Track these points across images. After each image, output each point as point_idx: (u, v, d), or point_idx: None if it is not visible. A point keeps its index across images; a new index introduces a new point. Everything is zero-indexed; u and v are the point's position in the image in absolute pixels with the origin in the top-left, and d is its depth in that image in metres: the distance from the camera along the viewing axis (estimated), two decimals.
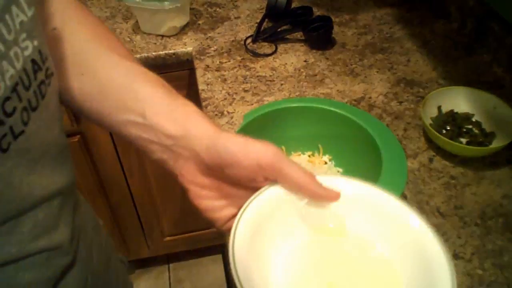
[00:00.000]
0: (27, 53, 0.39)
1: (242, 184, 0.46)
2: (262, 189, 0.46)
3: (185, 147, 0.47)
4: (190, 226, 1.61)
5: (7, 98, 0.37)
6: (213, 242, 1.69)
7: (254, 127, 0.75)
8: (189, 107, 0.49)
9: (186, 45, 1.13)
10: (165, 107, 0.48)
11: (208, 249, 1.74)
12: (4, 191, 0.38)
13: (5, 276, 0.42)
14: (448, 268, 0.41)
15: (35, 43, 0.41)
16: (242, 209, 0.44)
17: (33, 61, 0.41)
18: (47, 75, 0.44)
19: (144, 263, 1.75)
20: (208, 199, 0.48)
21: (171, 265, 1.78)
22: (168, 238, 1.63)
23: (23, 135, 0.39)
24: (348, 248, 0.47)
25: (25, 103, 0.39)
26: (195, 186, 0.48)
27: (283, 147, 0.80)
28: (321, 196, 0.45)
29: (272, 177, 0.45)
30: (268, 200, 0.45)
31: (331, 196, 0.46)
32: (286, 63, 1.07)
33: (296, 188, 0.45)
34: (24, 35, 0.39)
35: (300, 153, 0.80)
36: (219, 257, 1.77)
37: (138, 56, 1.10)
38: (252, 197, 0.45)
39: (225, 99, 0.97)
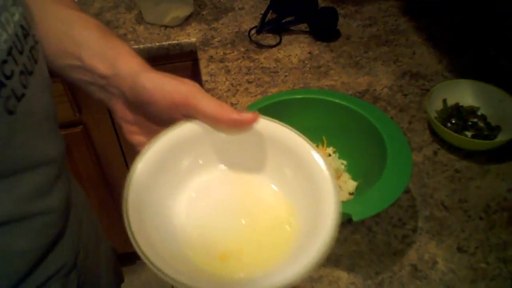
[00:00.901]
0: (15, 18, 0.41)
1: (163, 121, 0.48)
2: (176, 125, 0.47)
3: (115, 86, 0.50)
4: None
5: (4, 61, 0.39)
6: None
7: None
8: (121, 48, 0.51)
9: (190, 36, 1.12)
10: (98, 49, 0.51)
11: None
12: (2, 150, 0.40)
13: (2, 242, 0.44)
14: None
15: (20, 9, 0.43)
16: (146, 146, 0.45)
17: (22, 27, 0.43)
18: (35, 41, 0.46)
19: None
20: (137, 135, 0.52)
21: None
22: None
23: (25, 98, 0.42)
24: (257, 184, 0.49)
25: (21, 67, 0.42)
26: (125, 123, 0.52)
27: None
28: (236, 121, 0.46)
29: (189, 114, 0.47)
30: (179, 135, 0.47)
31: (247, 119, 0.46)
32: (290, 55, 1.06)
33: (212, 121, 0.46)
34: (11, 1, 0.41)
35: None
36: None
37: (141, 46, 1.09)
38: (162, 133, 0.46)
39: (229, 90, 0.97)
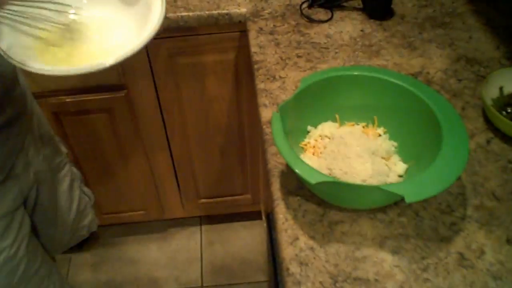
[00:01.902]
0: None
1: None
2: None
3: None
4: (225, 191, 1.62)
5: None
6: (247, 209, 1.70)
7: (310, 93, 0.74)
8: None
9: (240, 6, 1.11)
10: None
11: (240, 215, 1.75)
12: None
13: None
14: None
15: None
16: None
17: None
18: None
19: (177, 223, 1.78)
20: None
21: (203, 227, 1.80)
22: (203, 200, 1.64)
23: None
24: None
25: None
26: None
27: (337, 115, 0.78)
28: None
29: None
30: None
31: None
32: (341, 31, 1.03)
33: None
34: None
35: (354, 123, 0.78)
36: (251, 223, 1.78)
37: (191, 14, 1.09)
38: None
39: (278, 63, 0.95)
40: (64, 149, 1.07)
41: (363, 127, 0.78)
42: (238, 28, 1.14)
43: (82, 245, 1.71)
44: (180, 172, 1.53)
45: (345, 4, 1.10)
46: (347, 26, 1.05)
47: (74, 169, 1.11)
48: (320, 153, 0.73)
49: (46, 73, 0.65)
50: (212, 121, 1.38)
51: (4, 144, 0.78)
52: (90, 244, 1.74)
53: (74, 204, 1.05)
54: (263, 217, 1.66)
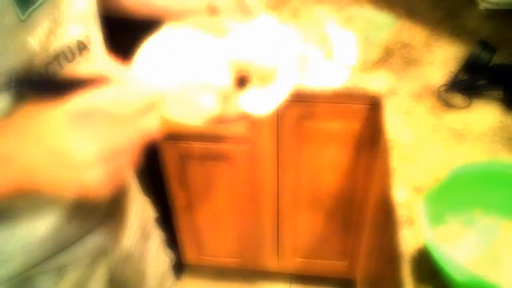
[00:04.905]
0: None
1: None
2: None
3: None
4: (323, 254, 1.62)
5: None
6: (341, 275, 1.68)
7: (457, 184, 0.73)
8: None
9: (376, 81, 1.14)
10: None
11: (333, 280, 1.73)
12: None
13: None
14: None
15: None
16: None
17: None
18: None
19: (269, 276, 1.79)
20: None
21: (293, 285, 1.80)
22: (299, 258, 1.65)
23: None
24: None
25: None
26: None
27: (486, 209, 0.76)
28: None
29: None
30: None
31: None
32: (479, 120, 1.03)
33: None
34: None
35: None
36: None
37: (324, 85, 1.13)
38: None
39: (412, 144, 0.96)
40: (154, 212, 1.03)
41: None
42: (370, 101, 1.17)
43: None
44: (282, 228, 1.55)
45: (484, 92, 1.09)
46: (486, 115, 1.04)
47: (159, 231, 1.04)
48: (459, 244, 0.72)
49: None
50: (325, 185, 1.40)
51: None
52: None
53: (160, 268, 1.01)
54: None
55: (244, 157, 1.35)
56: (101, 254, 0.75)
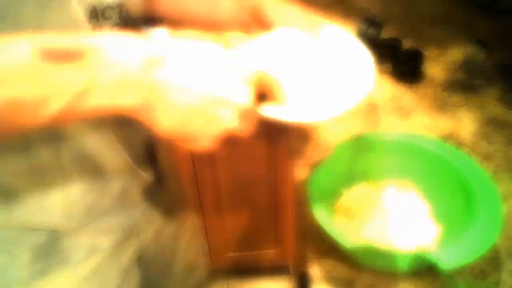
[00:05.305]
0: None
1: None
2: None
3: None
4: (253, 245, 1.63)
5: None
6: (274, 263, 1.70)
7: (344, 156, 0.76)
8: None
9: None
10: None
11: (266, 269, 1.75)
12: None
13: None
14: None
15: None
16: None
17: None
18: None
19: None
20: None
21: (230, 281, 1.80)
22: (231, 253, 1.65)
23: None
24: None
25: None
26: None
27: (371, 177, 0.80)
28: None
29: None
30: None
31: None
32: (372, 94, 1.07)
33: None
34: None
35: (386, 185, 0.80)
36: (277, 277, 1.77)
37: None
38: None
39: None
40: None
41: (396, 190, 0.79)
42: None
43: None
44: (209, 225, 1.55)
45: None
46: (377, 89, 1.08)
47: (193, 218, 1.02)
48: (353, 215, 0.75)
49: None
50: (243, 176, 1.41)
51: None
52: None
53: (190, 256, 0.99)
54: (291, 272, 1.66)
55: None
56: (132, 233, 0.76)
